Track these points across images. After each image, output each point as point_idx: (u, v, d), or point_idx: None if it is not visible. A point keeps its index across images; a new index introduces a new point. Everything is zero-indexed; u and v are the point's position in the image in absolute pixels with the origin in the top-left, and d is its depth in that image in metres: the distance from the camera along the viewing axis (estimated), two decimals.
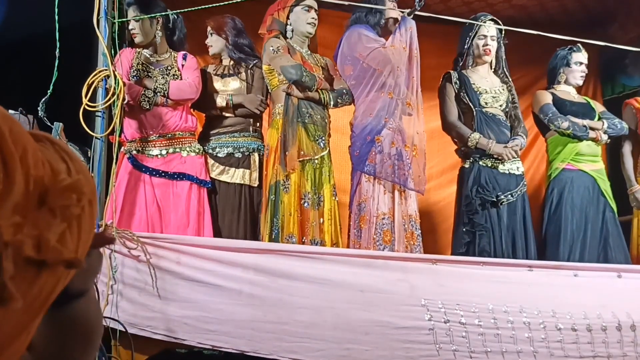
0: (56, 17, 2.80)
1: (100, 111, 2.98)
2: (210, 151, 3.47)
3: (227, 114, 3.53)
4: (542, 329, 2.98)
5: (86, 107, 2.94)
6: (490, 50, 3.85)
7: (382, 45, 3.54)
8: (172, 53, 3.51)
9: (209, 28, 3.64)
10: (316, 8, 3.54)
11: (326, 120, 3.49)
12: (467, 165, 3.75)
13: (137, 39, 3.42)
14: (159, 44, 3.48)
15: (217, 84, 3.58)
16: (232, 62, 3.62)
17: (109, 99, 2.96)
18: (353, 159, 3.51)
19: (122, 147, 3.24)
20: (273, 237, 3.20)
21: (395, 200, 3.41)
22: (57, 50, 2.83)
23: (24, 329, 0.49)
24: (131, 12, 3.34)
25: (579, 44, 4.04)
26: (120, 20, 3.16)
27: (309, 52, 3.61)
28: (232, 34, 3.59)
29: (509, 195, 3.65)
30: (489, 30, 3.83)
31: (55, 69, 2.83)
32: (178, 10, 3.47)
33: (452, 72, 3.88)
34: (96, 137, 2.94)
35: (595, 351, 3.03)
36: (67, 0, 2.85)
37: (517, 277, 3.14)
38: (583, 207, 3.83)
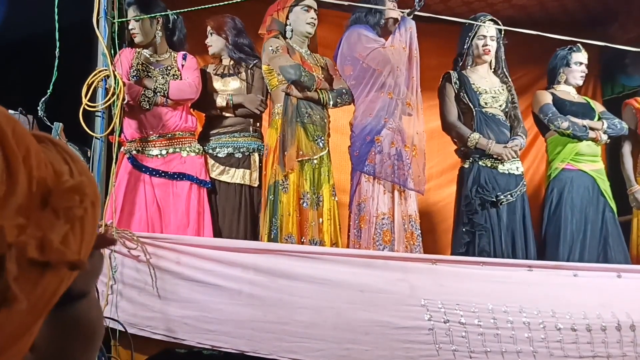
0: (56, 17, 2.81)
1: (100, 111, 2.98)
2: (211, 151, 3.47)
3: (227, 114, 3.53)
4: (541, 329, 2.99)
5: (86, 107, 2.94)
6: (489, 50, 3.85)
7: (382, 46, 3.54)
8: (172, 53, 3.51)
9: (209, 28, 3.64)
10: (315, 8, 3.54)
11: (325, 120, 3.49)
12: (466, 166, 3.75)
13: (137, 39, 3.42)
14: (158, 44, 3.47)
15: (217, 83, 3.57)
16: (232, 62, 3.62)
17: (109, 99, 2.96)
18: (353, 159, 3.51)
19: (122, 147, 3.24)
20: (272, 237, 3.20)
21: (395, 200, 3.41)
22: (57, 50, 2.84)
23: (27, 329, 0.49)
24: (131, 12, 3.34)
25: (579, 44, 4.04)
26: (120, 20, 3.16)
27: (309, 52, 3.61)
28: (232, 33, 3.58)
29: (509, 195, 3.65)
30: (488, 31, 3.84)
31: (55, 69, 2.83)
32: (178, 10, 3.47)
33: (451, 72, 3.89)
34: (96, 137, 2.94)
35: (594, 351, 3.03)
36: (67, 0, 2.85)
37: (517, 277, 3.15)
38: (583, 207, 3.83)
